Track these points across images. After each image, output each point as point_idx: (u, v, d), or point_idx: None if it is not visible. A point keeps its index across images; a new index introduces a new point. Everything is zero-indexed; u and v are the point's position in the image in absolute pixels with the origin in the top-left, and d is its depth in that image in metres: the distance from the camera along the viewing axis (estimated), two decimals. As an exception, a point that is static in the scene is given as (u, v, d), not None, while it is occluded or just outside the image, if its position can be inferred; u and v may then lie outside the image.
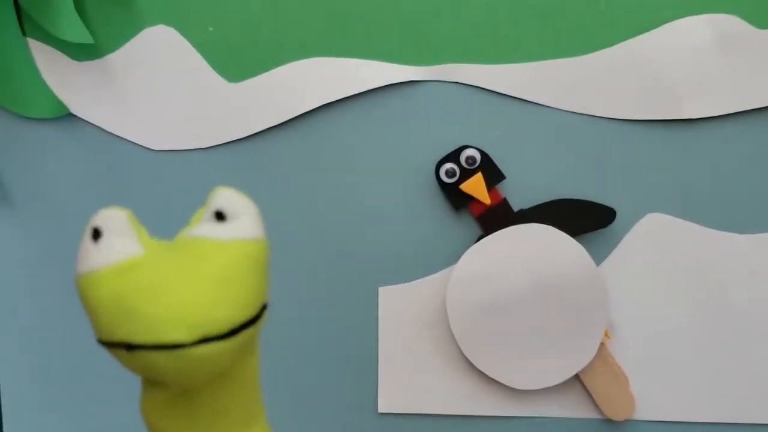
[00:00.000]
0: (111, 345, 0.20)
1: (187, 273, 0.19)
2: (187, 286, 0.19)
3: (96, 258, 0.19)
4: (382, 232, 0.50)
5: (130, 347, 0.19)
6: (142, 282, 0.19)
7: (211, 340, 0.18)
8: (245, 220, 0.20)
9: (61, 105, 0.50)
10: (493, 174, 0.48)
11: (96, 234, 0.20)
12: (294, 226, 0.50)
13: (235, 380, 0.21)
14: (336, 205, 0.50)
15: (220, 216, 0.20)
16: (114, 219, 0.20)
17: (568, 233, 0.48)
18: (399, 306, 0.50)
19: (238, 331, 0.19)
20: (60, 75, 0.50)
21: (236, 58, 0.49)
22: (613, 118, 0.48)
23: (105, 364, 0.52)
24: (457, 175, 0.48)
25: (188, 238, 0.20)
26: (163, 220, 0.50)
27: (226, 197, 0.20)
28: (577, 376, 0.49)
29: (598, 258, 0.49)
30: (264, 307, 0.21)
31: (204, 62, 0.49)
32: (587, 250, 0.48)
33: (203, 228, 0.20)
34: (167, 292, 0.19)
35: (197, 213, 0.21)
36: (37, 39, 0.50)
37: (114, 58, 0.50)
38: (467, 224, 0.50)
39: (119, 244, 0.19)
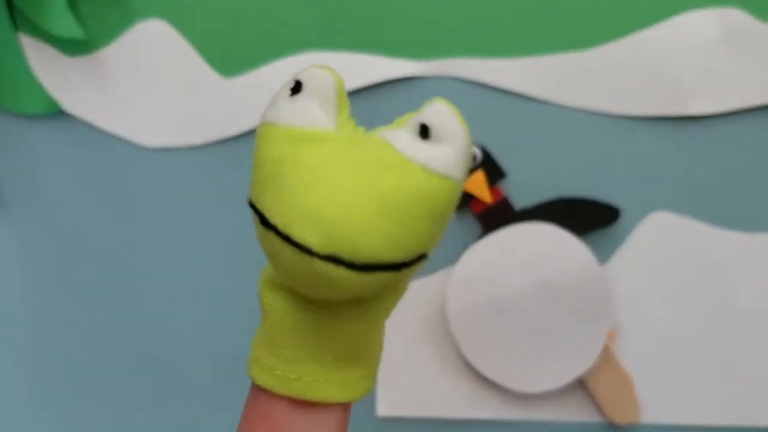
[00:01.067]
0: (253, 209, 0.18)
1: (357, 177, 0.17)
2: (346, 193, 0.16)
3: (285, 112, 0.18)
4: (381, 232, 0.50)
5: (264, 222, 0.17)
6: (307, 162, 0.17)
7: (340, 263, 0.16)
8: (448, 150, 0.18)
9: (51, 101, 0.50)
10: (494, 171, 0.48)
11: (296, 88, 0.18)
12: (290, 225, 0.50)
13: (362, 315, 0.19)
14: (333, 203, 0.50)
15: (424, 131, 0.17)
16: (321, 81, 0.18)
17: (571, 232, 0.47)
18: (398, 306, 0.49)
19: (375, 269, 0.17)
20: (51, 71, 0.50)
21: (231, 53, 0.49)
22: (618, 115, 0.48)
23: (100, 366, 0.52)
24: None
25: (379, 140, 0.18)
26: (156, 218, 0.51)
27: (441, 113, 0.18)
28: (580, 379, 0.48)
29: (602, 258, 0.48)
30: (421, 257, 0.18)
31: (198, 57, 0.49)
32: (591, 250, 0.47)
33: (402, 136, 0.18)
34: (325, 187, 0.16)
35: (404, 117, 0.19)
36: (28, 34, 0.50)
37: (106, 53, 0.49)
38: (467, 223, 0.49)
39: (313, 109, 0.18)
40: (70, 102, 0.50)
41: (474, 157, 0.48)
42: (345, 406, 0.20)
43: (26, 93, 0.50)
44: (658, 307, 0.49)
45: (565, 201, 0.48)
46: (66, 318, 0.52)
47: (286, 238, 0.16)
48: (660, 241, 0.48)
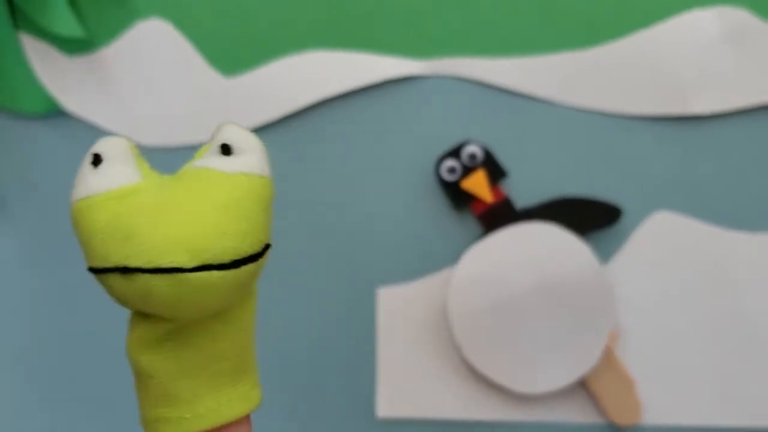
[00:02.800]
0: (105, 271, 0.19)
1: (190, 199, 0.19)
2: (191, 212, 0.18)
3: (95, 183, 0.19)
4: (381, 231, 0.50)
5: (126, 270, 0.18)
6: (142, 205, 0.19)
7: (212, 268, 0.18)
8: (253, 156, 0.20)
9: (52, 101, 0.50)
10: (495, 171, 0.48)
11: (96, 160, 0.19)
12: (291, 224, 0.50)
13: (231, 323, 0.21)
14: (334, 203, 0.50)
15: (226, 149, 0.20)
16: (115, 146, 0.20)
17: (572, 232, 0.47)
18: (398, 307, 0.50)
19: (240, 263, 0.19)
20: (52, 70, 0.50)
21: (232, 52, 0.49)
22: (619, 114, 0.48)
23: (99, 367, 0.52)
24: (458, 172, 0.48)
25: (192, 169, 0.20)
26: None
27: (233, 132, 0.20)
28: (582, 380, 0.48)
29: (604, 258, 0.48)
30: (267, 247, 0.20)
31: (199, 56, 0.49)
32: (592, 250, 0.47)
33: (209, 160, 0.20)
34: (168, 216, 0.18)
35: (202, 148, 0.21)
36: (29, 33, 0.50)
37: (107, 52, 0.49)
38: (468, 223, 0.49)
39: (120, 170, 0.19)
40: (70, 101, 0.50)
41: (475, 156, 0.48)
42: (248, 416, 0.22)
43: (26, 92, 0.50)
44: (660, 308, 0.49)
45: (566, 201, 0.48)
46: (65, 318, 0.52)
47: (156, 270, 0.18)
48: (662, 240, 0.48)
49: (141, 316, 0.21)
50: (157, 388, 0.21)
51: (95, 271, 0.20)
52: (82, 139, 0.51)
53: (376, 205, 0.50)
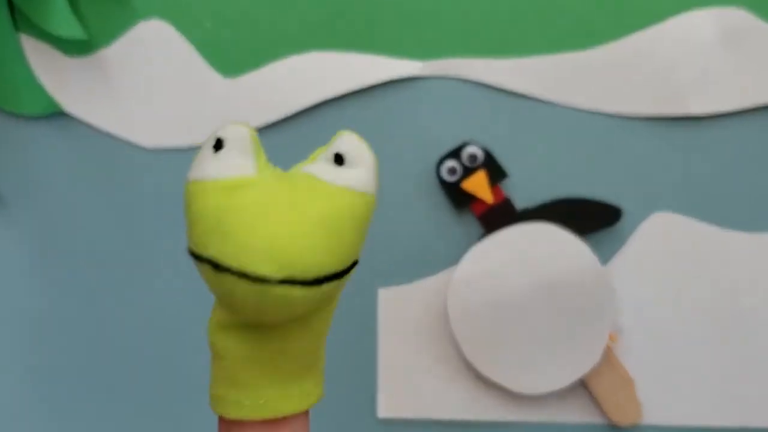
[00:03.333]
0: (200, 259, 0.19)
1: (292, 208, 0.19)
2: (288, 223, 0.19)
3: (211, 168, 0.20)
4: (382, 232, 0.50)
5: (216, 266, 0.19)
6: (246, 205, 0.19)
7: (295, 283, 0.18)
8: (362, 171, 0.20)
9: (52, 102, 0.50)
10: (495, 172, 0.48)
11: (218, 144, 0.20)
12: (291, 225, 0.50)
13: (308, 328, 0.21)
14: (334, 204, 0.50)
15: (339, 159, 0.20)
16: (238, 134, 0.20)
17: (572, 233, 0.47)
18: (399, 307, 0.50)
19: (323, 281, 0.19)
20: (52, 72, 0.50)
21: (232, 53, 0.49)
22: (618, 115, 0.48)
23: (100, 364, 0.52)
24: (459, 173, 0.48)
25: (303, 174, 0.20)
26: (156, 217, 0.51)
27: (350, 142, 0.21)
28: (582, 381, 0.48)
29: (604, 258, 0.48)
30: (354, 263, 0.21)
31: (199, 57, 0.49)
32: (593, 250, 0.47)
33: (320, 167, 0.20)
34: (267, 223, 0.19)
35: (317, 151, 0.21)
36: (29, 35, 0.50)
37: (107, 53, 0.49)
38: (469, 224, 0.49)
39: (237, 160, 0.20)
40: (70, 102, 0.50)
41: (475, 157, 0.48)
42: (307, 411, 0.22)
43: (27, 94, 0.50)
44: (659, 308, 0.49)
45: (566, 201, 0.48)
46: (66, 317, 0.52)
47: (243, 275, 0.18)
48: (661, 241, 0.48)
49: (217, 301, 0.22)
50: (226, 370, 0.21)
51: (194, 255, 0.20)
52: (82, 139, 0.51)
53: (377, 206, 0.50)
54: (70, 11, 0.47)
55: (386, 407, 0.50)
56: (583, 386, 0.49)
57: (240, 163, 0.20)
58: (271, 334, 0.21)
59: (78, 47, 0.49)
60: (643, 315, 0.49)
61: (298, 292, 0.19)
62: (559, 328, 0.47)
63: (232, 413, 0.21)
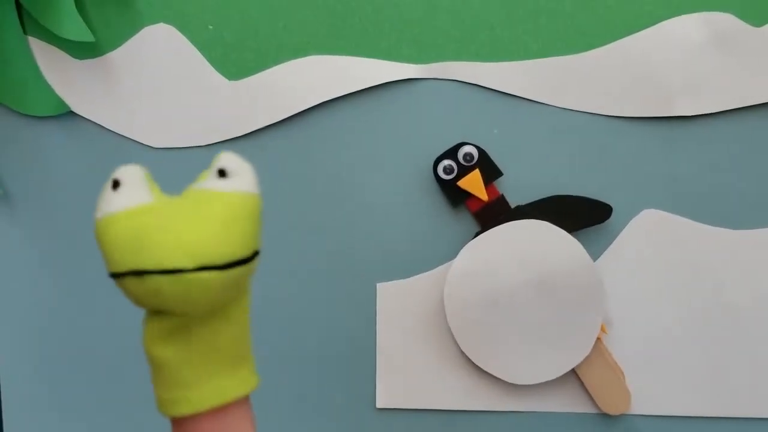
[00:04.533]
0: (121, 275, 0.22)
1: (192, 214, 0.22)
2: (192, 224, 0.22)
3: (115, 203, 0.23)
4: (381, 229, 0.50)
5: (139, 273, 0.21)
6: (153, 221, 0.22)
7: (209, 269, 0.21)
8: (244, 177, 0.23)
9: (61, 103, 0.50)
10: (490, 170, 0.49)
11: (116, 184, 0.23)
12: (293, 222, 0.51)
13: (229, 318, 0.24)
14: (335, 202, 0.50)
15: (222, 173, 0.23)
16: (132, 173, 0.23)
17: (564, 229, 0.48)
18: (397, 302, 0.50)
19: (233, 265, 0.22)
20: (60, 73, 0.50)
21: (236, 56, 0.49)
22: (609, 115, 0.49)
23: (105, 360, 0.53)
24: (455, 171, 0.48)
25: (194, 190, 0.23)
26: None
27: (228, 158, 0.24)
28: (573, 371, 0.49)
29: (595, 254, 0.49)
30: (256, 253, 0.23)
31: (204, 60, 0.49)
32: (584, 246, 0.48)
33: (208, 182, 0.23)
34: (174, 228, 0.22)
35: (202, 174, 0.24)
36: (37, 37, 0.50)
37: (114, 56, 0.50)
38: (465, 220, 0.50)
39: (135, 193, 0.23)
40: (78, 104, 0.50)
41: (471, 156, 0.48)
42: (248, 397, 0.25)
43: (36, 95, 0.51)
44: (648, 301, 0.49)
45: (559, 199, 0.49)
46: (72, 314, 0.53)
47: (163, 272, 0.21)
48: (650, 237, 0.49)
49: (153, 315, 0.24)
50: (169, 376, 0.24)
51: (114, 276, 0.23)
52: (89, 139, 0.51)
53: (375, 205, 0.50)
54: (78, 15, 0.48)
55: (384, 398, 0.51)
56: (574, 377, 0.49)
57: (138, 195, 0.23)
58: (201, 333, 0.23)
59: (86, 50, 0.50)
60: (632, 308, 0.49)
61: (213, 275, 0.22)
62: (551, 320, 0.48)
63: (184, 410, 0.23)
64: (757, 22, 0.47)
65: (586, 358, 0.48)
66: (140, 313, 0.55)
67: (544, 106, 0.49)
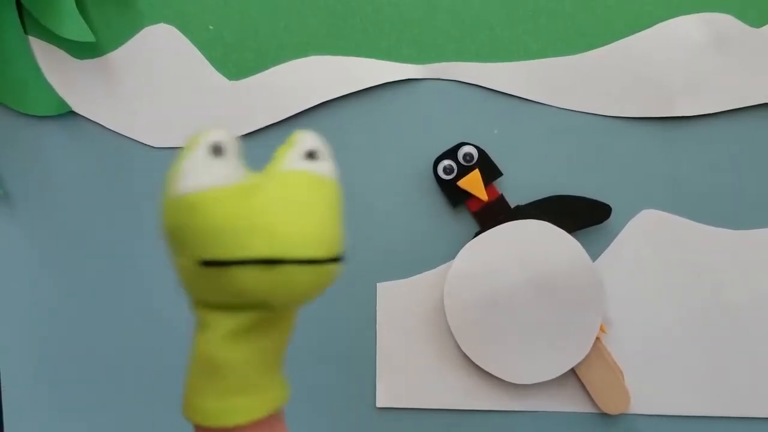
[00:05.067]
0: (240, 263, 0.19)
1: (309, 201, 0.20)
2: (314, 213, 0.20)
3: (221, 173, 0.19)
4: (381, 229, 0.50)
5: (271, 262, 0.19)
6: (268, 204, 0.19)
7: (336, 261, 0.20)
8: (330, 162, 0.22)
9: (62, 103, 0.51)
10: (490, 170, 0.49)
11: (217, 149, 0.19)
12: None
13: (291, 319, 0.22)
14: (335, 201, 0.50)
15: (312, 155, 0.21)
16: (234, 141, 0.19)
17: (564, 229, 0.48)
18: (397, 301, 0.50)
19: (343, 258, 0.20)
20: (61, 73, 0.51)
21: (236, 56, 0.49)
22: (609, 116, 0.49)
23: (106, 361, 0.53)
24: (455, 171, 0.49)
25: (293, 171, 0.21)
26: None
27: (314, 139, 0.22)
28: (573, 371, 0.49)
29: (594, 253, 0.49)
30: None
31: (204, 60, 0.50)
32: (583, 246, 0.48)
33: (303, 164, 0.21)
34: (299, 213, 0.19)
35: (280, 150, 0.22)
36: (38, 37, 0.50)
37: (115, 56, 0.50)
38: (464, 220, 0.50)
39: (238, 165, 0.19)
40: (79, 103, 0.51)
41: (471, 156, 0.48)
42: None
43: (37, 94, 0.51)
44: (647, 301, 0.50)
45: (558, 199, 0.49)
46: (72, 314, 0.53)
47: (303, 262, 0.19)
48: (649, 237, 0.49)
49: (225, 312, 0.21)
50: (234, 381, 0.21)
51: (222, 264, 0.19)
52: (90, 139, 0.51)
53: (376, 204, 0.50)
54: (79, 15, 0.48)
55: (385, 397, 0.51)
56: (574, 376, 0.50)
57: (241, 169, 0.20)
58: (272, 331, 0.21)
59: (86, 50, 0.50)
60: (631, 308, 0.50)
61: (338, 268, 0.20)
62: (550, 320, 0.48)
63: (242, 419, 0.21)
64: (756, 23, 0.47)
65: (586, 358, 0.48)
66: (142, 313, 0.54)
67: (544, 106, 0.49)
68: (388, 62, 0.49)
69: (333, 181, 0.22)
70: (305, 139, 0.22)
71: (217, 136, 0.20)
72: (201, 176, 0.19)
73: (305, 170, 0.21)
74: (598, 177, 0.49)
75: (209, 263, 0.19)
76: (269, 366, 0.21)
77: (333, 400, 0.52)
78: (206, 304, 0.21)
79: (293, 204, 0.20)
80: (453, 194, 0.49)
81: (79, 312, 0.53)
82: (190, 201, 0.19)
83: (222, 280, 0.19)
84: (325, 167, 0.22)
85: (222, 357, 0.21)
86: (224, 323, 0.21)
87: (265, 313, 0.21)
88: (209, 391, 0.21)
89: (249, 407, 0.21)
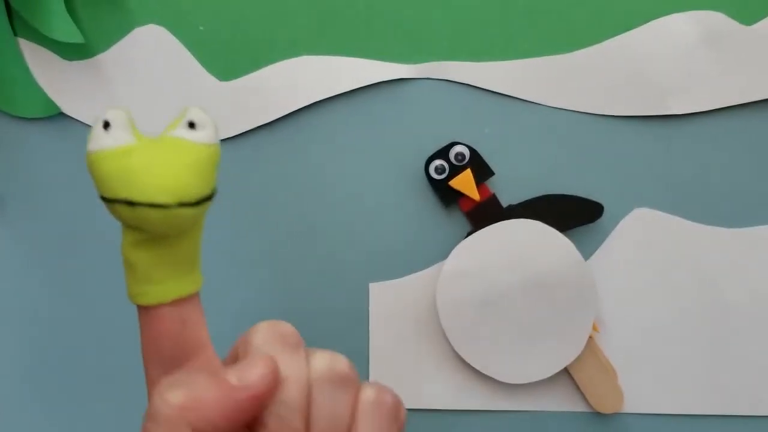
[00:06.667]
0: (113, 201, 0.27)
1: (172, 159, 0.27)
2: (172, 169, 0.27)
3: (107, 141, 0.27)
4: (372, 229, 0.50)
5: (131, 203, 0.26)
6: (139, 161, 0.27)
7: (186, 205, 0.27)
8: (209, 131, 0.29)
9: (51, 104, 0.50)
10: (482, 170, 0.49)
11: (106, 125, 0.27)
12: (284, 223, 0.51)
13: (188, 236, 0.29)
14: (326, 202, 0.50)
15: (192, 125, 0.28)
16: (120, 116, 0.28)
17: (556, 228, 0.48)
18: (389, 302, 0.50)
19: (201, 202, 0.28)
20: (51, 74, 0.50)
21: (227, 57, 0.49)
22: (600, 115, 0.49)
23: (96, 363, 0.53)
24: (447, 171, 0.49)
25: (170, 137, 0.28)
26: None
27: (197, 112, 0.29)
28: (566, 370, 0.49)
29: (587, 253, 0.49)
30: (214, 192, 0.29)
31: (195, 61, 0.49)
32: (575, 245, 0.48)
33: (181, 132, 0.28)
34: (158, 170, 0.27)
35: (173, 121, 0.29)
36: (27, 39, 0.50)
37: (105, 57, 0.50)
38: (456, 220, 0.50)
39: (123, 134, 0.27)
40: (69, 105, 0.50)
41: (463, 156, 0.48)
42: (197, 293, 0.30)
43: (26, 96, 0.51)
44: (640, 300, 0.50)
45: (550, 198, 0.49)
46: (64, 317, 0.53)
47: (152, 206, 0.26)
48: (642, 236, 0.49)
49: (126, 229, 0.29)
50: (140, 274, 0.29)
51: (106, 200, 0.27)
52: (80, 140, 0.51)
53: (367, 204, 0.50)
54: (68, 16, 0.48)
55: (378, 397, 0.51)
56: (567, 376, 0.50)
57: (126, 136, 0.27)
58: (166, 245, 0.29)
59: (76, 51, 0.50)
60: (624, 307, 0.50)
61: (188, 211, 0.27)
62: (543, 319, 0.48)
63: (151, 300, 0.29)
64: (747, 21, 0.48)
65: (579, 357, 0.48)
66: (131, 315, 0.54)
67: (536, 105, 0.49)
68: (379, 62, 0.49)
69: (202, 145, 0.28)
70: (189, 112, 0.29)
71: (107, 115, 0.28)
72: (93, 142, 0.27)
73: (178, 137, 0.28)
74: (589, 176, 0.49)
75: (102, 198, 0.28)
76: (169, 266, 0.29)
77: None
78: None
79: (155, 161, 0.27)
80: (445, 194, 0.49)
81: (70, 314, 0.53)
82: (89, 158, 0.27)
83: (110, 211, 0.28)
84: (198, 135, 0.28)
85: (130, 257, 0.29)
86: (128, 236, 0.29)
87: (150, 234, 0.29)
88: (129, 281, 0.30)
89: (152, 293, 0.29)
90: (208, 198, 0.28)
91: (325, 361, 0.31)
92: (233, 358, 0.31)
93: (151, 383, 0.30)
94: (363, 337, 0.51)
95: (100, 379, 0.53)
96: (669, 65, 0.48)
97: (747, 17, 0.48)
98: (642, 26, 0.48)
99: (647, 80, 0.48)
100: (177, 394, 0.27)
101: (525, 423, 0.51)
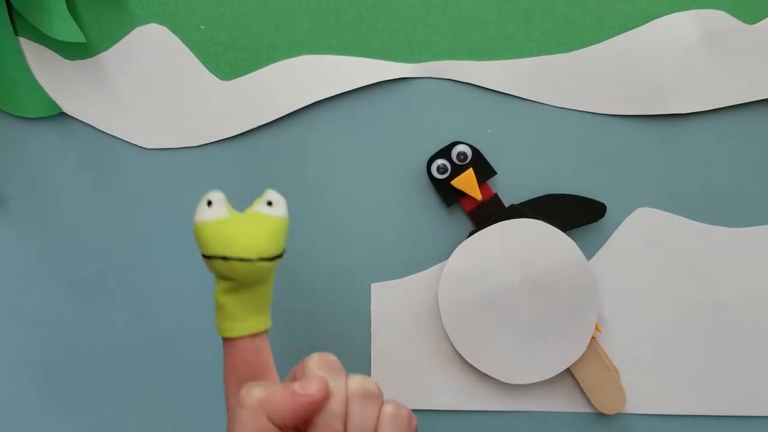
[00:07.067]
0: (212, 257, 0.36)
1: (255, 228, 0.36)
2: (255, 234, 0.36)
3: (209, 215, 0.36)
4: (374, 229, 0.50)
5: (225, 258, 0.35)
6: (233, 229, 0.36)
7: (264, 260, 0.36)
8: (282, 208, 0.38)
9: (53, 104, 0.50)
10: (484, 170, 0.49)
11: (209, 203, 0.36)
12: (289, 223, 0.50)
13: (264, 284, 0.38)
14: (328, 201, 0.50)
15: (270, 203, 0.37)
16: (219, 197, 0.37)
17: (559, 228, 0.48)
18: (391, 302, 0.50)
19: (275, 258, 0.36)
20: (52, 74, 0.50)
21: (228, 56, 0.49)
22: (603, 114, 0.49)
23: (100, 362, 0.53)
24: (449, 171, 0.48)
25: (254, 212, 0.37)
26: (155, 218, 0.51)
27: (274, 194, 0.38)
28: (568, 370, 0.49)
29: (589, 252, 0.49)
30: (284, 251, 0.38)
31: (196, 60, 0.50)
32: (578, 245, 0.48)
33: (262, 208, 0.37)
34: (245, 235, 0.36)
35: (256, 200, 0.38)
36: (28, 38, 0.50)
37: (106, 56, 0.50)
38: (459, 220, 0.50)
39: (221, 209, 0.36)
40: (70, 105, 0.51)
41: (465, 155, 0.48)
42: (266, 330, 0.39)
43: (27, 96, 0.51)
44: (642, 300, 0.50)
45: (553, 198, 0.49)
46: (66, 317, 0.53)
47: (240, 260, 0.35)
48: (644, 235, 0.49)
49: (218, 279, 0.37)
50: (227, 313, 0.37)
51: (206, 257, 0.36)
52: (81, 140, 0.51)
53: (369, 204, 0.50)
54: (70, 15, 0.48)
55: (380, 398, 0.51)
56: (569, 376, 0.50)
57: (222, 211, 0.36)
58: (251, 289, 0.37)
59: (77, 51, 0.50)
60: (626, 307, 0.50)
61: (266, 264, 0.36)
62: (545, 319, 0.48)
63: (236, 334, 0.37)
64: (749, 20, 0.48)
65: (581, 358, 0.48)
66: (134, 315, 0.55)
67: (538, 104, 0.49)
68: (380, 61, 0.49)
69: (276, 218, 0.37)
70: (268, 194, 0.38)
71: (209, 196, 0.37)
72: (199, 215, 0.37)
73: (260, 212, 0.37)
74: (592, 175, 0.49)
75: (204, 256, 0.37)
76: (250, 308, 0.37)
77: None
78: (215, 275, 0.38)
79: (243, 229, 0.36)
80: (447, 194, 0.49)
81: (71, 313, 0.53)
82: (195, 227, 0.37)
83: (209, 265, 0.37)
84: (274, 210, 0.37)
85: (221, 300, 0.37)
86: (221, 284, 0.37)
87: (238, 283, 0.37)
88: (218, 319, 0.38)
89: (236, 328, 0.37)
90: (280, 255, 0.37)
91: (359, 382, 0.35)
92: (292, 378, 0.37)
93: (229, 397, 0.38)
94: (365, 337, 0.51)
95: (101, 378, 0.53)
96: (671, 65, 0.48)
97: (749, 16, 0.48)
98: (643, 26, 0.48)
99: (649, 80, 0.48)
100: (259, 390, 0.35)
101: (527, 423, 0.51)
